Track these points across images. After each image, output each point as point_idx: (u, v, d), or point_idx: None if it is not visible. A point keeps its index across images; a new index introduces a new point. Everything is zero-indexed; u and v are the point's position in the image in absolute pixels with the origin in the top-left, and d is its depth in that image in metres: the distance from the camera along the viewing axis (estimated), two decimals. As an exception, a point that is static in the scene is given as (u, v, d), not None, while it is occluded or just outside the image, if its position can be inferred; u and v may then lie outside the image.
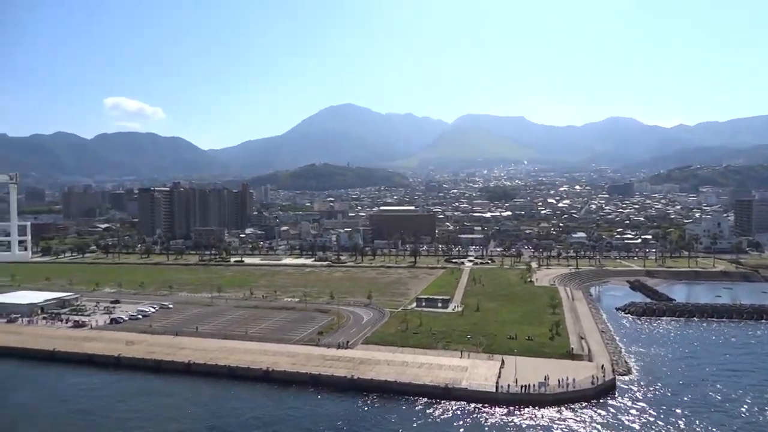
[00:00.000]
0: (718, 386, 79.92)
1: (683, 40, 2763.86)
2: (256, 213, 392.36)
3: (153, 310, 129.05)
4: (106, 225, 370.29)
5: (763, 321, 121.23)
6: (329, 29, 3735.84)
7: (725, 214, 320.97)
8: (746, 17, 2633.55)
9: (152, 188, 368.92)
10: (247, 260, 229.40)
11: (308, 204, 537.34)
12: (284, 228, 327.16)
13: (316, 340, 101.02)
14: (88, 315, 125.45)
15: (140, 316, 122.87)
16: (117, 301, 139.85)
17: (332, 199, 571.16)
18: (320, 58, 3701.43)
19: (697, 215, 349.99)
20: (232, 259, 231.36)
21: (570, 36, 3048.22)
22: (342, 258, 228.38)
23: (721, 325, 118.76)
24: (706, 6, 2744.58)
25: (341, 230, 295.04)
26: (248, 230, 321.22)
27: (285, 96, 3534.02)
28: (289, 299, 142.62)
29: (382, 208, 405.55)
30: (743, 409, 71.38)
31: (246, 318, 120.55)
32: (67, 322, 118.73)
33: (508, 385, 76.18)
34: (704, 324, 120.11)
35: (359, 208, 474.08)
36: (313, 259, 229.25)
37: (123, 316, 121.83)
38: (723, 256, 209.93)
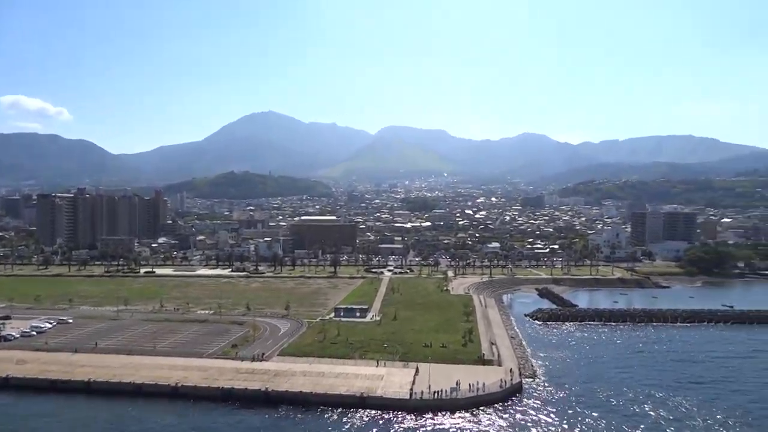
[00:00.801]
0: (610, 384, 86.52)
1: (589, 65, 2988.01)
2: (170, 222, 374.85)
3: (49, 325, 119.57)
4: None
5: (652, 323, 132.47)
6: (251, 34, 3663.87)
7: (623, 226, 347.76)
8: (641, 49, 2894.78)
9: (53, 194, 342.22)
10: (159, 271, 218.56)
11: (227, 213, 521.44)
12: (200, 237, 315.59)
13: (229, 353, 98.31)
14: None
15: (34, 333, 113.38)
16: (7, 317, 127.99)
17: (252, 208, 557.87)
18: (242, 62, 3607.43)
19: (599, 226, 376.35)
20: (142, 270, 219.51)
21: (487, 55, 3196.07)
22: (260, 268, 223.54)
23: (616, 328, 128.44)
24: (606, 37, 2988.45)
25: (261, 240, 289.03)
26: (161, 239, 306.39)
27: (204, 100, 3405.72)
28: (203, 311, 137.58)
29: (303, 217, 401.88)
30: (629, 405, 77.83)
31: (155, 332, 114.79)
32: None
33: (422, 392, 78.05)
34: (603, 327, 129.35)
35: (280, 217, 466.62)
36: (230, 269, 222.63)
37: (14, 333, 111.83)
38: (620, 265, 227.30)
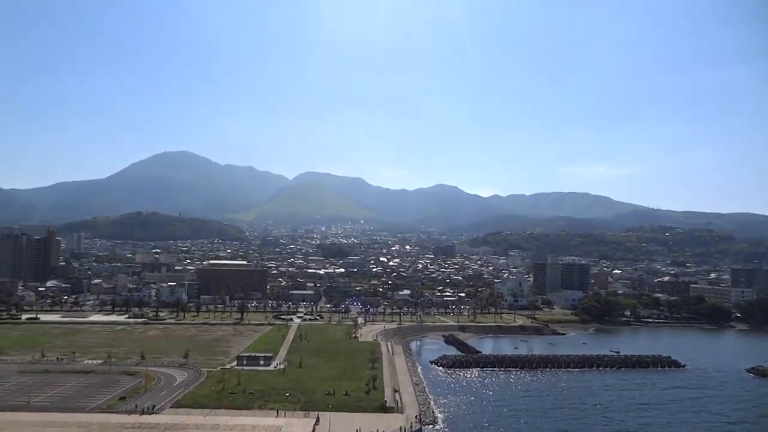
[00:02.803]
0: (504, 429, 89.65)
1: (499, 124, 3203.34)
2: (63, 263, 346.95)
3: None
4: None
5: (547, 369, 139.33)
6: (168, 69, 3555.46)
7: (526, 276, 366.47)
8: (546, 113, 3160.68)
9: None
10: (44, 317, 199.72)
11: (130, 255, 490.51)
12: (96, 281, 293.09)
13: (116, 407, 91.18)
14: None
15: None
16: None
17: (159, 250, 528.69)
18: (155, 98, 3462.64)
19: (505, 275, 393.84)
20: (24, 317, 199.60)
21: (405, 109, 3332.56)
22: (161, 314, 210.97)
23: (516, 374, 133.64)
24: (514, 100, 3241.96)
25: (164, 284, 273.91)
26: (50, 283, 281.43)
27: (111, 135, 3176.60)
28: (91, 361, 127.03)
29: (211, 261, 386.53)
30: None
31: (31, 385, 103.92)
32: None
33: (320, 442, 76.58)
34: (503, 373, 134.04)
35: (188, 261, 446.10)
36: (127, 315, 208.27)
37: None
38: (522, 312, 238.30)
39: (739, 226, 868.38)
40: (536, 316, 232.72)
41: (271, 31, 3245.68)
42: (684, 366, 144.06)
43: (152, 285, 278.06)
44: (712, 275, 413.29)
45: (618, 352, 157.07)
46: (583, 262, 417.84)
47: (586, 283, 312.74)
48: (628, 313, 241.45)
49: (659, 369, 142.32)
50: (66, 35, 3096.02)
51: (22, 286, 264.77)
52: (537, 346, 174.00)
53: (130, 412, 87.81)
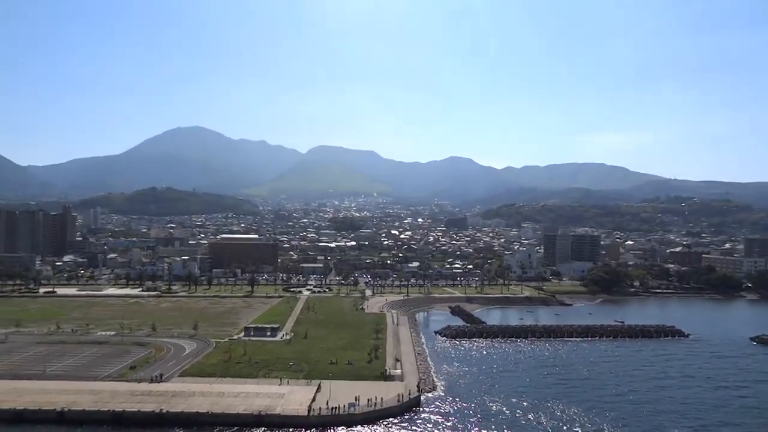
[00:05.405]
0: (502, 396, 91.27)
1: (514, 95, 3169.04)
2: (80, 239, 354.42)
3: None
4: None
5: (550, 339, 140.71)
6: (180, 45, 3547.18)
7: (536, 247, 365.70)
8: (560, 84, 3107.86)
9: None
10: (61, 291, 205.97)
11: (144, 230, 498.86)
12: (112, 255, 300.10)
13: (126, 375, 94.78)
14: None
15: None
16: None
17: (173, 225, 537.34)
18: (168, 74, 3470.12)
19: (516, 247, 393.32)
20: (42, 290, 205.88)
21: (417, 81, 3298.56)
22: (173, 288, 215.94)
23: (518, 344, 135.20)
24: (529, 71, 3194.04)
25: (176, 258, 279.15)
26: (67, 258, 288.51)
27: (125, 112, 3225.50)
28: (104, 333, 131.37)
29: (224, 236, 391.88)
30: (517, 415, 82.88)
31: (46, 355, 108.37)
32: None
33: (320, 408, 79.05)
34: (506, 343, 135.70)
35: (202, 235, 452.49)
36: (141, 289, 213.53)
37: None
38: (530, 284, 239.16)
39: (758, 195, 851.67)
40: (544, 287, 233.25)
41: (283, 4, 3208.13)
42: (687, 335, 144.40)
43: (166, 259, 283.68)
44: (727, 245, 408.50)
45: (622, 322, 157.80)
46: (595, 233, 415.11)
47: (597, 255, 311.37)
48: (636, 283, 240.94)
49: (662, 338, 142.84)
50: (82, 14, 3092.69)
51: (39, 260, 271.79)
52: (542, 317, 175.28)
53: (139, 381, 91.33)
